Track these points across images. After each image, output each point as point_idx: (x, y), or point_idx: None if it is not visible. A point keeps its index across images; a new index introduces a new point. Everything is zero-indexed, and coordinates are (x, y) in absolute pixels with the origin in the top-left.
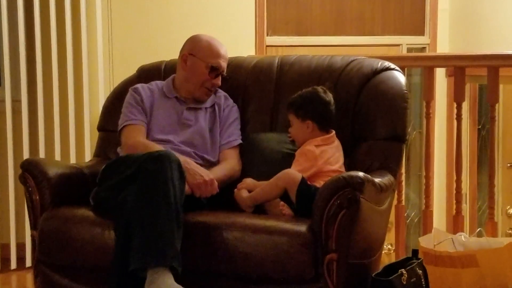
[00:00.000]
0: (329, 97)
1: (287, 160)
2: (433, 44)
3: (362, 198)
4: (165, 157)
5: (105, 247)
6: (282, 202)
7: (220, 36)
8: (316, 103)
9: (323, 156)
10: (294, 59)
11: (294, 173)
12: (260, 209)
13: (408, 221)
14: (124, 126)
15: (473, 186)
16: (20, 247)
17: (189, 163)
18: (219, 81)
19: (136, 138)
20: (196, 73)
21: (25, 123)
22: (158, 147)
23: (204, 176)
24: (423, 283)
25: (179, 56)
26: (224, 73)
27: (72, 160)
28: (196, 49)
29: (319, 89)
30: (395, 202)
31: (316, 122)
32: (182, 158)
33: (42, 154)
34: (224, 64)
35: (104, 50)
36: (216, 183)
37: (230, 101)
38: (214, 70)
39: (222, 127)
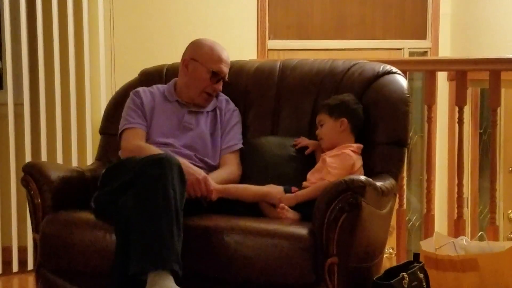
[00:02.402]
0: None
1: (288, 163)
2: (434, 48)
3: (363, 202)
4: (165, 161)
5: (106, 250)
6: (282, 205)
7: (222, 40)
8: (352, 103)
9: (357, 165)
10: (295, 63)
11: (276, 186)
12: (259, 211)
13: (409, 225)
14: (123, 130)
15: (474, 190)
16: (22, 250)
17: (182, 164)
18: (220, 86)
19: (135, 142)
20: (197, 78)
21: (27, 126)
22: (157, 150)
23: (196, 175)
24: (425, 287)
25: (181, 60)
26: (226, 78)
27: (74, 163)
28: (198, 54)
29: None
30: (396, 206)
31: (349, 121)
32: None
33: (44, 157)
34: (225, 69)
35: (106, 53)
36: (210, 181)
37: (232, 105)
38: (215, 75)
39: (223, 131)
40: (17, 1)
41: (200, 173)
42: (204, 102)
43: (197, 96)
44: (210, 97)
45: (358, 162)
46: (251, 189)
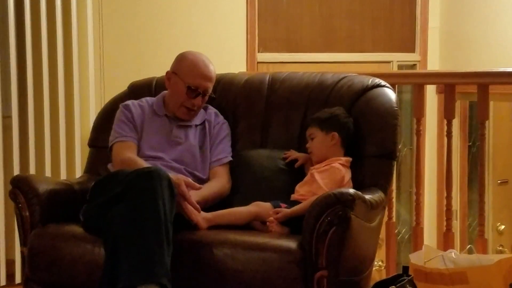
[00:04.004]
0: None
1: (278, 176)
2: (423, 61)
3: (352, 215)
4: (154, 174)
5: (95, 264)
6: (271, 218)
7: (211, 52)
8: (342, 117)
9: (346, 177)
10: (284, 76)
11: (264, 204)
12: (248, 224)
13: (398, 237)
14: (114, 143)
15: (463, 203)
16: (10, 264)
17: None
18: (199, 101)
19: (127, 155)
20: (176, 92)
21: (16, 139)
22: (148, 164)
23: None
24: None
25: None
26: (208, 93)
27: (63, 176)
28: (178, 68)
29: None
30: (385, 218)
31: (340, 134)
32: None
33: (32, 170)
34: (206, 84)
35: (95, 66)
36: (191, 210)
37: (221, 117)
38: (193, 90)
39: (212, 144)
40: (5, 14)
41: (179, 181)
42: (184, 116)
43: (177, 109)
44: (190, 112)
45: (347, 175)
46: (240, 213)
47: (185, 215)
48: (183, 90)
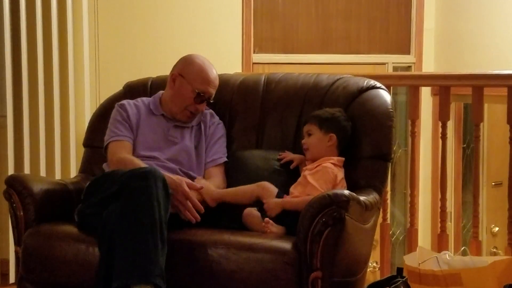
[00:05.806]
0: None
1: (273, 177)
2: (418, 63)
3: (347, 216)
4: (150, 174)
5: (89, 264)
6: (266, 219)
7: (207, 53)
8: (342, 120)
9: (339, 176)
10: (280, 77)
11: (271, 185)
12: (242, 225)
13: (393, 239)
14: (110, 142)
15: (457, 205)
16: (4, 263)
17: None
18: (203, 107)
19: (122, 154)
20: (181, 95)
21: (10, 138)
22: (143, 163)
23: (178, 192)
24: None
25: (170, 74)
26: (211, 99)
27: (57, 176)
28: (187, 71)
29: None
30: (380, 220)
31: (338, 137)
32: None
33: (27, 170)
34: (212, 91)
35: (90, 66)
36: (185, 184)
37: (216, 118)
38: (200, 96)
39: (207, 144)
40: (1, 13)
41: (181, 181)
42: (185, 119)
43: (180, 112)
44: (192, 115)
45: (340, 174)
46: (244, 192)
47: (184, 215)
48: (191, 95)
